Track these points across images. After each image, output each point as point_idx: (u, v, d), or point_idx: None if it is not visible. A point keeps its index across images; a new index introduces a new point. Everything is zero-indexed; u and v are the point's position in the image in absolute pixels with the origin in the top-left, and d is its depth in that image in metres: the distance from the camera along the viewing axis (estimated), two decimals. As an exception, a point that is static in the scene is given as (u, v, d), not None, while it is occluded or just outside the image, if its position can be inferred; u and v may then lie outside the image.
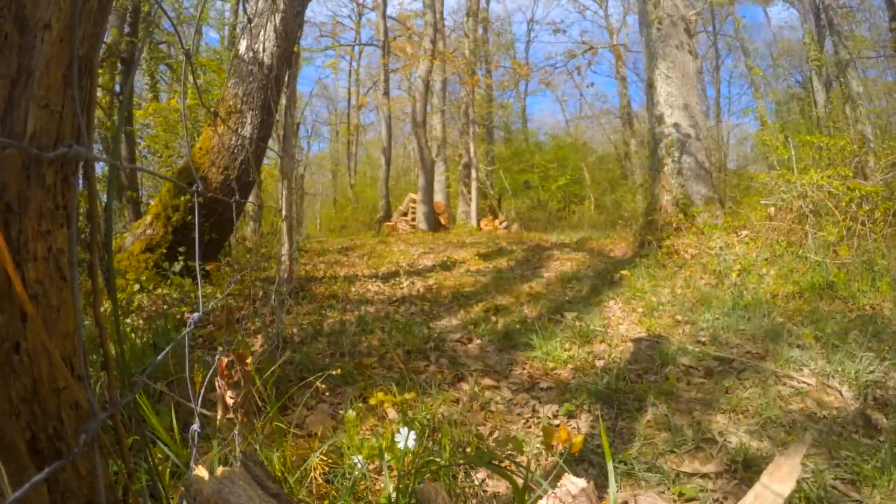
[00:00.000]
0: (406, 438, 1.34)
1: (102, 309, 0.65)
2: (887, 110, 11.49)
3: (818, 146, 5.38)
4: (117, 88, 6.81)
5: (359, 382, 2.14)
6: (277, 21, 4.27)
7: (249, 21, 4.40)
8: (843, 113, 11.13)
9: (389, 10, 16.31)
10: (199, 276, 1.21)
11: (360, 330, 3.06)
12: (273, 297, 3.40)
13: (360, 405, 1.91)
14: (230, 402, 1.52)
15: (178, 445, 1.48)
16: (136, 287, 3.39)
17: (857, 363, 2.26)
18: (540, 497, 1.37)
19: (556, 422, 2.02)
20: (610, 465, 1.13)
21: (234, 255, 4.41)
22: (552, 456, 1.71)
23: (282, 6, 4.30)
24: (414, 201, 13.14)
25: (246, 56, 4.31)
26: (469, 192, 14.37)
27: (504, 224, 13.44)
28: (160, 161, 6.99)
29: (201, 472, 0.99)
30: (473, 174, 14.33)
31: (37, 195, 0.54)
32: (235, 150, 4.18)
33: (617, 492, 1.53)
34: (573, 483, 1.14)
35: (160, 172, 6.51)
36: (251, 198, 4.46)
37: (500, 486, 1.55)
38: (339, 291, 4.24)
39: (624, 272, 4.62)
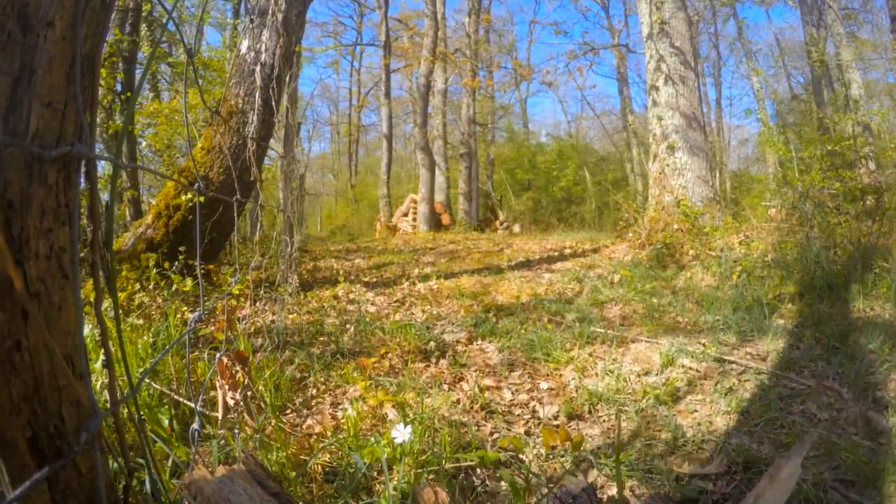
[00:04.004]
0: (402, 434, 1.34)
1: (103, 308, 0.65)
2: (889, 112, 11.49)
3: (818, 147, 5.37)
4: (119, 87, 6.81)
5: (359, 382, 2.14)
6: (279, 21, 4.28)
7: (251, 21, 4.40)
8: (844, 114, 11.12)
9: (391, 10, 16.33)
10: (199, 276, 1.21)
11: (361, 330, 3.06)
12: (274, 296, 3.40)
13: (361, 405, 1.91)
14: (231, 401, 1.53)
15: (178, 445, 1.48)
16: (137, 286, 3.39)
17: (858, 365, 2.26)
18: (541, 497, 1.37)
19: (557, 423, 2.02)
20: (618, 468, 1.13)
21: (235, 255, 4.41)
22: (553, 457, 1.71)
23: (283, 6, 4.30)
24: (415, 201, 13.15)
25: (247, 56, 4.32)
26: (470, 193, 14.37)
27: (505, 225, 13.45)
28: (161, 160, 7.00)
29: (202, 471, 0.99)
30: (474, 174, 14.34)
31: (39, 193, 0.54)
32: (237, 150, 4.18)
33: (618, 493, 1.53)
34: (574, 483, 1.14)
35: (161, 172, 6.52)
36: (252, 198, 4.46)
37: (500, 486, 1.55)
38: (339, 291, 4.24)
39: (625, 273, 4.62)
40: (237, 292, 3.59)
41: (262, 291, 3.52)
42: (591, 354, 2.71)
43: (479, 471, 1.61)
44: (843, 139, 5.60)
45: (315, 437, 1.77)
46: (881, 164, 5.45)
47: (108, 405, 0.67)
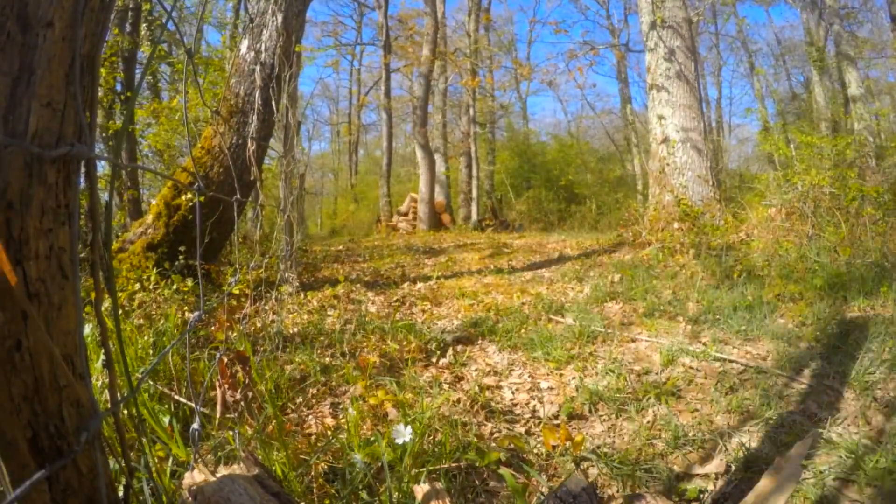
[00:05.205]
0: (402, 434, 1.34)
1: (103, 308, 0.65)
2: (889, 110, 11.47)
3: (819, 147, 5.37)
4: (118, 87, 6.82)
5: (359, 382, 2.14)
6: (279, 20, 4.27)
7: (251, 20, 4.40)
8: (844, 113, 11.12)
9: (391, 10, 16.32)
10: (199, 276, 1.21)
11: (361, 329, 3.06)
12: (274, 296, 3.40)
13: (361, 405, 1.91)
14: (230, 400, 1.53)
15: (178, 444, 1.48)
16: (137, 286, 3.39)
17: (858, 364, 2.26)
18: (541, 497, 1.37)
19: (558, 422, 2.02)
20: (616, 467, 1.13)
21: (236, 254, 4.41)
22: (553, 456, 1.71)
23: (283, 6, 4.30)
24: (415, 201, 13.15)
25: (247, 56, 4.31)
26: (470, 192, 14.36)
27: (505, 224, 13.44)
28: (161, 160, 7.01)
29: (202, 471, 0.99)
30: (474, 174, 14.34)
31: (38, 193, 0.54)
32: (237, 150, 4.18)
33: (618, 492, 1.53)
34: (574, 483, 1.14)
35: (161, 171, 6.51)
36: (252, 198, 4.46)
37: (500, 486, 1.55)
38: (339, 291, 4.24)
39: (625, 272, 4.61)
40: (237, 292, 3.59)
41: (262, 290, 3.52)
42: (591, 353, 2.71)
43: (479, 470, 1.61)
44: (843, 138, 5.60)
45: (315, 436, 1.77)
46: (881, 163, 5.45)
47: (109, 405, 0.67)
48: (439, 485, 1.26)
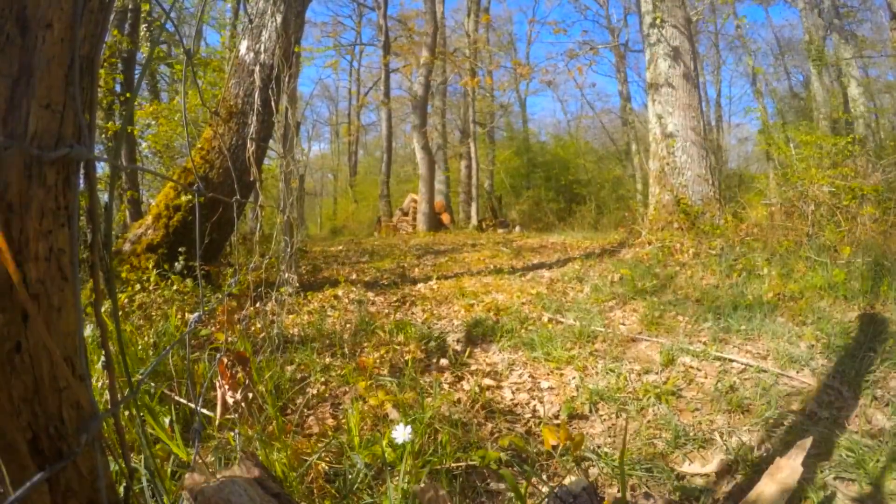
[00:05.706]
0: (402, 434, 1.34)
1: (103, 309, 0.65)
2: (888, 109, 11.46)
3: (818, 146, 5.37)
4: (118, 88, 6.82)
5: (359, 382, 2.14)
6: (278, 21, 4.27)
7: (250, 21, 4.40)
8: (843, 112, 11.12)
9: (390, 10, 16.32)
10: (199, 277, 1.21)
11: (361, 330, 3.06)
12: (274, 297, 3.40)
13: (361, 405, 1.91)
14: (231, 402, 1.53)
15: (178, 445, 1.48)
16: (137, 287, 3.39)
17: (858, 363, 2.26)
18: (542, 497, 1.37)
19: (558, 422, 2.02)
20: (622, 470, 1.13)
21: (236, 255, 4.41)
22: (553, 456, 1.71)
23: (282, 6, 4.30)
24: (415, 201, 13.15)
25: (247, 56, 4.31)
26: (470, 192, 14.36)
27: (505, 224, 13.44)
28: (161, 161, 7.01)
29: (202, 472, 0.99)
30: (474, 174, 14.34)
31: (38, 195, 0.54)
32: (236, 151, 4.18)
33: (618, 492, 1.53)
34: (574, 483, 1.14)
35: (160, 172, 6.51)
36: (251, 198, 4.46)
37: (500, 486, 1.55)
38: (339, 291, 4.24)
39: (625, 272, 4.61)
40: (237, 293, 3.59)
41: (262, 291, 3.52)
42: (591, 353, 2.71)
43: (480, 471, 1.61)
44: (843, 137, 5.60)
45: (316, 437, 1.77)
46: (880, 162, 5.45)
47: (109, 406, 0.67)
48: (438, 485, 1.26)
